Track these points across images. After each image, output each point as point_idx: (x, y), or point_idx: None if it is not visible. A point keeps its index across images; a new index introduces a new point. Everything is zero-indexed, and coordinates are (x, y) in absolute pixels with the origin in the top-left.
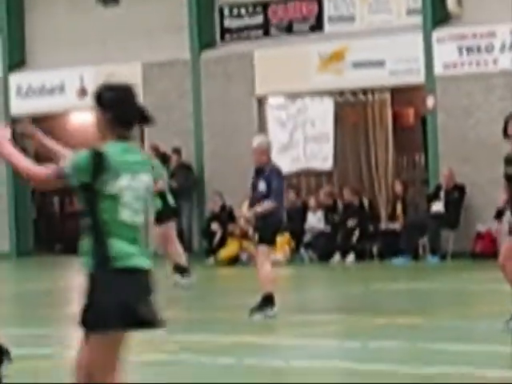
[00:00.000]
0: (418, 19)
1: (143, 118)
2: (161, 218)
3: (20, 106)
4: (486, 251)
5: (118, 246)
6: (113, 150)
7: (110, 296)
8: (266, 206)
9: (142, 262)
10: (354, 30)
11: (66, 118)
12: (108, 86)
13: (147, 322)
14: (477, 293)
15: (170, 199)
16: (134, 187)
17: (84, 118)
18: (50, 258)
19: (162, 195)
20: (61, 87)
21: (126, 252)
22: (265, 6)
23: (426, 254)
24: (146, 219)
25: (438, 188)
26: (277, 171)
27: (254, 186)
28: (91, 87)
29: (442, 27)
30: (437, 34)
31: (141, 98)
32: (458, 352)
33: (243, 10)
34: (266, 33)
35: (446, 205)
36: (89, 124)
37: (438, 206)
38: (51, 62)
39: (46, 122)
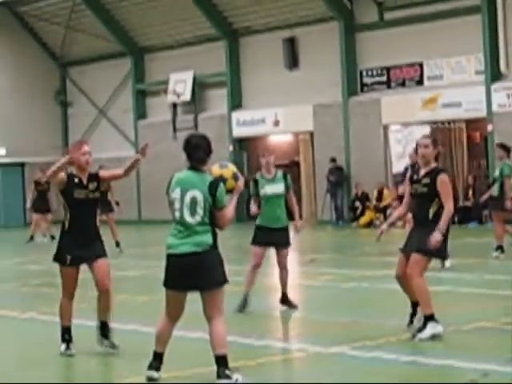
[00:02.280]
0: (481, 77)
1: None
2: None
3: (238, 132)
4: None
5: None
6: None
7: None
8: None
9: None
10: (443, 84)
11: (266, 139)
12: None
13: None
14: None
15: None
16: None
17: (278, 139)
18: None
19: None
20: (263, 120)
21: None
22: (388, 70)
23: (487, 221)
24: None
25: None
26: None
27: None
28: (282, 120)
29: (497, 82)
30: (493, 86)
31: (311, 128)
32: None
33: (374, 72)
34: (389, 86)
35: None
36: (280, 143)
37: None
38: (257, 104)
39: (253, 141)
